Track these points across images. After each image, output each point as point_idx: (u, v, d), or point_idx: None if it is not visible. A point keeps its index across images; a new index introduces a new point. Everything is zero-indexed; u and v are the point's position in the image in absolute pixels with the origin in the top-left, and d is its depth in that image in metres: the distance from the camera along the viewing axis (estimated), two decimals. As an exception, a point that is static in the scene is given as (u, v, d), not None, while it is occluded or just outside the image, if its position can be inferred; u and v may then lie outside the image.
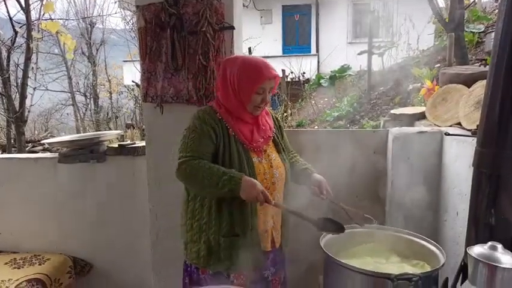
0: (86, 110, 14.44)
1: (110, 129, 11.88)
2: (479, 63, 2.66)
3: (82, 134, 2.77)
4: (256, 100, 1.61)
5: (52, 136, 7.14)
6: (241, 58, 1.66)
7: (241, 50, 2.29)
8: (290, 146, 1.90)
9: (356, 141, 2.34)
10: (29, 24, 3.53)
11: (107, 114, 13.83)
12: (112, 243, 2.61)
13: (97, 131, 11.51)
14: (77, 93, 14.61)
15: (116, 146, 2.47)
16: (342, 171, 2.16)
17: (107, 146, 2.52)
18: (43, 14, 4.03)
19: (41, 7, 3.98)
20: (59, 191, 2.57)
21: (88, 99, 14.68)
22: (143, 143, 2.46)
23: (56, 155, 2.53)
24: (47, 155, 2.67)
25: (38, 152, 5.50)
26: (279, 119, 1.89)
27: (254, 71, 1.59)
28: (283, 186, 1.72)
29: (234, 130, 1.63)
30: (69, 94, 14.24)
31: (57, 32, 3.66)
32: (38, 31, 4.08)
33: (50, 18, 4.67)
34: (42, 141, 2.77)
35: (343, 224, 1.64)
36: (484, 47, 2.51)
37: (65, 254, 2.56)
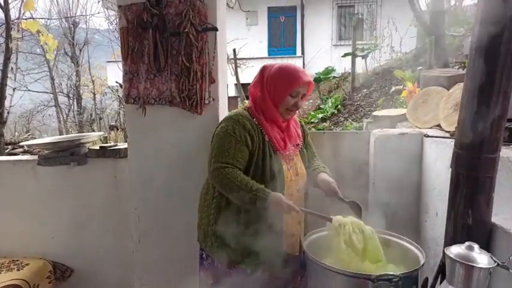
0: (69, 111, 14.20)
1: (93, 130, 11.70)
2: (458, 66, 2.71)
3: (63, 136, 2.73)
4: (289, 102, 1.67)
5: (33, 138, 6.98)
6: (279, 64, 1.74)
7: (225, 51, 2.28)
8: (315, 150, 1.97)
9: (339, 142, 2.36)
10: (8, 23, 3.46)
11: (91, 116, 13.63)
12: (93, 247, 2.56)
13: (80, 132, 11.33)
14: (60, 94, 14.34)
15: (98, 148, 2.43)
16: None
17: (88, 148, 2.48)
18: (23, 13, 3.95)
19: (21, 5, 3.90)
20: (39, 194, 2.52)
21: (71, 100, 14.43)
22: (125, 145, 2.42)
23: (36, 157, 2.47)
24: (26, 157, 2.61)
25: (18, 154, 5.37)
26: (305, 127, 1.96)
27: (292, 74, 1.67)
28: (303, 194, 1.80)
29: (269, 136, 1.68)
30: (51, 95, 13.97)
31: (38, 32, 3.59)
32: (18, 30, 3.99)
33: (32, 18, 4.58)
34: (22, 143, 2.69)
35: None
36: (463, 50, 2.56)
37: (45, 259, 2.50)
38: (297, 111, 1.82)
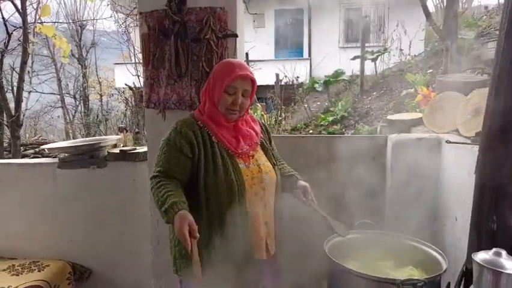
0: (75, 113, 14.29)
1: (101, 131, 11.78)
2: (476, 72, 2.73)
3: (82, 139, 2.77)
4: (227, 100, 1.56)
5: (43, 139, 7.06)
6: (220, 61, 1.67)
7: (242, 56, 2.31)
8: (278, 154, 1.85)
9: (356, 147, 2.38)
10: (25, 28, 3.51)
11: (97, 117, 13.70)
12: (111, 249, 2.60)
13: (87, 133, 11.40)
14: (67, 95, 14.45)
15: (118, 151, 2.47)
16: (342, 177, 2.20)
17: (107, 152, 2.52)
18: (39, 18, 4.01)
19: (36, 10, 3.96)
20: (58, 196, 2.56)
21: (77, 102, 14.52)
22: (144, 149, 2.46)
23: (56, 160, 2.52)
24: (46, 160, 2.65)
25: (29, 156, 5.44)
26: (267, 125, 1.87)
27: (226, 68, 1.57)
28: (274, 191, 1.68)
29: (217, 137, 1.59)
30: (58, 96, 14.07)
31: (53, 36, 3.65)
32: (34, 35, 4.06)
33: (40, 22, 4.64)
34: (42, 147, 2.74)
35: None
36: (481, 55, 2.58)
37: (64, 260, 2.54)
38: (247, 112, 1.68)
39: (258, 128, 1.74)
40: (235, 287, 1.57)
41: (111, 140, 2.59)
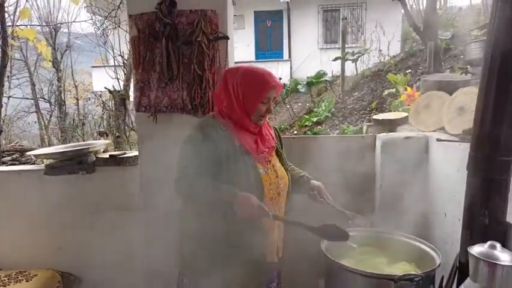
0: (50, 117, 13.89)
1: (78, 136, 11.52)
2: (460, 72, 2.82)
3: (70, 145, 2.70)
4: (261, 110, 1.61)
5: (21, 145, 6.84)
6: (243, 68, 1.64)
7: (233, 58, 2.32)
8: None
9: (345, 146, 2.43)
10: (4, 31, 3.41)
11: (73, 121, 13.36)
12: (101, 256, 2.54)
13: (64, 139, 11.12)
14: (41, 99, 14.03)
15: (107, 156, 2.43)
16: (333, 177, 2.23)
17: (95, 157, 2.47)
18: (17, 21, 3.90)
19: (14, 13, 3.84)
20: (46, 204, 2.49)
21: (52, 106, 14.12)
22: (134, 153, 2.43)
23: (42, 167, 2.45)
24: (32, 167, 2.58)
25: (7, 163, 5.27)
26: (278, 129, 1.91)
27: (260, 81, 1.59)
28: (286, 195, 1.71)
29: (240, 141, 1.60)
30: (32, 101, 13.65)
31: (32, 39, 3.55)
32: (13, 38, 3.93)
33: (16, 25, 4.50)
34: (28, 153, 2.66)
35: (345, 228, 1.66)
36: (464, 55, 2.67)
37: (53, 269, 2.48)
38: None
39: (272, 132, 1.79)
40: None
41: (99, 145, 2.54)
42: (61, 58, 14.31)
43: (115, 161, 2.41)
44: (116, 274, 2.57)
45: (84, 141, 8.45)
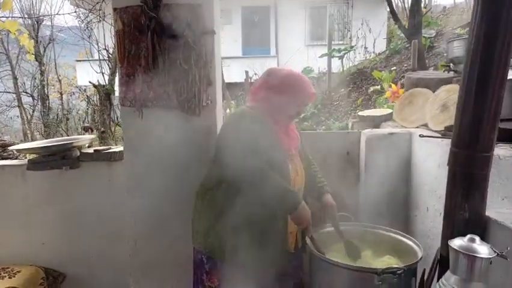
0: (33, 112, 13.60)
1: (62, 131, 11.32)
2: (443, 70, 2.87)
3: (53, 139, 2.65)
4: (298, 113, 1.80)
5: (2, 140, 6.69)
6: (286, 71, 1.76)
7: (219, 53, 2.31)
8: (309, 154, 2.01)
9: (331, 142, 2.45)
10: (-14, 24, 3.32)
11: (57, 116, 13.12)
12: (86, 251, 2.53)
13: (47, 134, 10.92)
14: (24, 94, 13.73)
15: (91, 151, 2.40)
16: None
17: (80, 152, 2.44)
18: (-2, 12, 3.79)
19: (-5, 5, 3.73)
20: (28, 199, 2.45)
21: (35, 100, 13.83)
22: (119, 148, 2.41)
23: (25, 162, 2.41)
24: (15, 162, 2.53)
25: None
26: (299, 131, 2.01)
27: (304, 89, 1.73)
28: (302, 191, 1.82)
29: (276, 135, 1.70)
30: (14, 95, 13.35)
31: (15, 32, 3.47)
32: (-6, 31, 3.83)
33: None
34: (11, 148, 2.61)
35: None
36: (447, 53, 2.71)
37: (36, 265, 2.44)
38: None
39: (297, 133, 1.91)
40: (269, 275, 1.73)
41: (84, 139, 2.51)
42: (44, 51, 14.01)
43: (100, 155, 2.38)
44: (102, 270, 2.56)
45: (68, 136, 8.32)
